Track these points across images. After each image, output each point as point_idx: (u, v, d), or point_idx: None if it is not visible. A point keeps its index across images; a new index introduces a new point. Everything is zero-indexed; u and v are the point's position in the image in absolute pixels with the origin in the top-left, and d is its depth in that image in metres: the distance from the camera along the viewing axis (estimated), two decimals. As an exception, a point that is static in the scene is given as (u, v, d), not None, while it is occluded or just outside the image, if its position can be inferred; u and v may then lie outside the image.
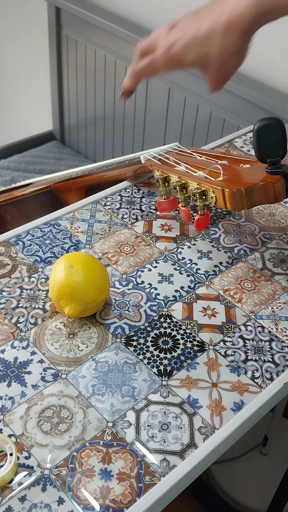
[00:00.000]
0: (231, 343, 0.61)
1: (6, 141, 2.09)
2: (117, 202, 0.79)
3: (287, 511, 1.17)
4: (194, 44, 0.63)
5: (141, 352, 0.59)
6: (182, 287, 0.67)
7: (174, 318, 0.63)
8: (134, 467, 0.49)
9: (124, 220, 0.76)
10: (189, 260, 0.71)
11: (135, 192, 0.82)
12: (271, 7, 0.59)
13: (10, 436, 0.51)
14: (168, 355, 0.59)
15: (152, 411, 0.54)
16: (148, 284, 0.67)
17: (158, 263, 0.70)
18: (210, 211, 0.79)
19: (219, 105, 1.39)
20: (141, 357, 0.59)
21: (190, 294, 0.66)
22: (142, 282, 0.67)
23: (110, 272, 0.68)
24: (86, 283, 0.59)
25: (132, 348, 0.59)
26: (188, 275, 0.69)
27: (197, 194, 0.65)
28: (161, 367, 0.58)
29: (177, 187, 0.68)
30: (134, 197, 0.81)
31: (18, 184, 0.97)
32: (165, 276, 0.68)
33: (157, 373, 0.57)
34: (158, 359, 0.58)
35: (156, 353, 0.59)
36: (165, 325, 0.62)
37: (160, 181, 0.70)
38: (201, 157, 0.75)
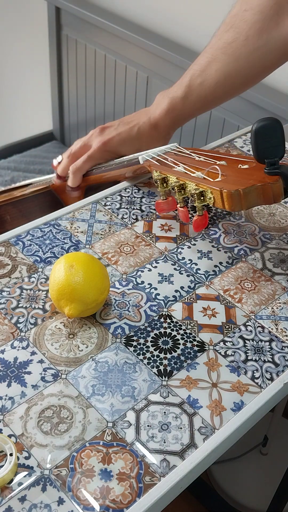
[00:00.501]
0: (231, 343, 0.61)
1: (6, 141, 2.09)
2: (117, 202, 0.79)
3: (287, 511, 1.17)
4: (127, 141, 0.82)
5: (141, 352, 0.59)
6: (182, 287, 0.67)
7: (174, 318, 0.63)
8: (134, 467, 0.49)
9: (124, 220, 0.76)
10: (189, 260, 0.71)
11: (135, 192, 0.82)
12: (179, 114, 0.82)
13: (10, 436, 0.51)
14: (168, 355, 0.59)
15: (152, 411, 0.54)
16: (148, 284, 0.67)
17: (158, 263, 0.70)
18: (209, 212, 0.79)
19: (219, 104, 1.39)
20: (141, 357, 0.59)
21: (190, 294, 0.66)
22: (142, 282, 0.67)
23: (110, 272, 0.68)
24: (86, 283, 0.59)
25: (132, 348, 0.59)
26: (188, 275, 0.69)
27: (195, 195, 0.65)
28: (161, 367, 0.58)
29: (176, 187, 0.68)
30: (134, 197, 0.81)
31: (18, 185, 0.97)
32: (165, 276, 0.68)
33: (157, 373, 0.57)
34: (158, 359, 0.58)
35: (156, 353, 0.59)
36: (165, 325, 0.62)
37: (158, 182, 0.70)
38: (199, 157, 0.75)
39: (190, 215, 0.76)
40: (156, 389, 0.56)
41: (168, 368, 0.58)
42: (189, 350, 0.60)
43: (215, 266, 0.70)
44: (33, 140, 2.10)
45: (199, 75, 0.78)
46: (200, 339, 0.61)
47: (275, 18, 0.74)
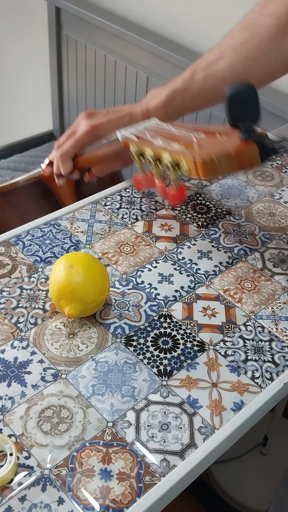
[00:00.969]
0: (231, 343, 0.61)
1: (6, 141, 2.09)
2: (117, 202, 0.79)
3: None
4: (117, 129, 0.76)
5: (141, 352, 0.59)
6: (182, 287, 0.67)
7: (174, 318, 0.63)
8: (134, 467, 0.49)
9: (124, 220, 0.76)
10: (189, 260, 0.71)
11: (135, 192, 0.82)
12: (176, 108, 0.78)
13: (10, 436, 0.51)
14: (168, 355, 0.59)
15: (152, 411, 0.54)
16: (148, 284, 0.67)
17: (158, 263, 0.70)
18: (209, 211, 0.79)
19: (219, 104, 1.39)
20: (141, 357, 0.59)
21: (190, 294, 0.66)
22: (142, 282, 0.67)
23: (110, 272, 0.68)
24: (86, 283, 0.59)
25: (132, 348, 0.59)
26: (188, 275, 0.69)
27: (170, 166, 0.64)
28: (161, 367, 0.58)
29: (152, 161, 0.67)
30: (134, 197, 0.81)
31: (7, 183, 0.95)
32: (165, 276, 0.68)
33: (157, 373, 0.57)
34: (158, 359, 0.58)
35: (156, 353, 0.59)
36: (165, 325, 0.62)
37: (135, 156, 0.69)
38: (178, 131, 0.74)
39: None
40: (156, 389, 0.56)
41: (168, 368, 0.58)
42: (189, 350, 0.60)
43: (215, 266, 0.70)
44: (33, 140, 2.10)
45: (203, 70, 0.77)
46: (200, 339, 0.61)
47: None
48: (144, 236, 0.74)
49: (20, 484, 0.48)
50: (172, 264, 0.70)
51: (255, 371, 0.58)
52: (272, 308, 0.65)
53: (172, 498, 0.50)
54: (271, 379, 0.58)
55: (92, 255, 0.66)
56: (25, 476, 0.48)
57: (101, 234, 0.74)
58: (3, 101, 2.38)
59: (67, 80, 1.94)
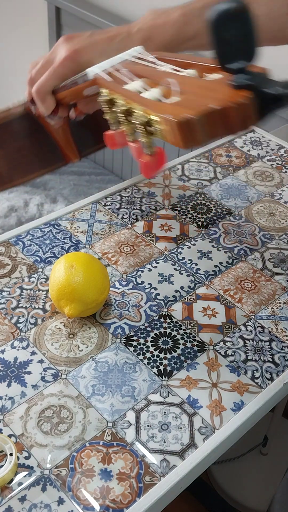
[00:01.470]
0: (231, 343, 0.61)
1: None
2: (117, 202, 0.79)
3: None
4: (104, 54, 0.61)
5: (141, 352, 0.59)
6: (182, 287, 0.67)
7: (174, 318, 0.63)
8: (134, 467, 0.49)
9: (124, 220, 0.76)
10: (189, 260, 0.71)
11: (135, 192, 0.82)
12: (184, 32, 0.62)
13: (10, 436, 0.51)
14: (168, 355, 0.59)
15: (152, 411, 0.54)
16: (148, 284, 0.67)
17: (158, 263, 0.70)
18: (209, 211, 0.79)
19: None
20: (141, 357, 0.59)
21: (190, 294, 0.66)
22: (142, 282, 0.67)
23: (110, 272, 0.68)
24: (86, 283, 0.59)
25: (132, 348, 0.59)
26: (188, 275, 0.69)
27: (141, 126, 0.49)
28: (161, 367, 0.58)
29: (123, 115, 0.52)
30: (134, 197, 0.81)
31: None
32: (165, 276, 0.68)
33: (157, 373, 0.57)
34: (158, 359, 0.58)
35: (156, 353, 0.59)
36: (165, 325, 0.62)
37: (105, 105, 0.54)
38: (164, 66, 0.57)
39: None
40: (156, 389, 0.56)
41: (168, 368, 0.58)
42: (189, 350, 0.60)
43: (215, 266, 0.70)
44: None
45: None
46: (200, 339, 0.61)
47: None
48: (144, 236, 0.74)
49: (20, 484, 0.48)
50: (172, 264, 0.70)
51: (255, 371, 0.58)
52: (272, 308, 0.65)
53: (172, 498, 0.50)
54: (271, 379, 0.58)
55: (92, 255, 0.66)
56: (25, 476, 0.48)
57: (101, 234, 0.74)
58: (3, 101, 2.38)
59: (67, 80, 1.94)
